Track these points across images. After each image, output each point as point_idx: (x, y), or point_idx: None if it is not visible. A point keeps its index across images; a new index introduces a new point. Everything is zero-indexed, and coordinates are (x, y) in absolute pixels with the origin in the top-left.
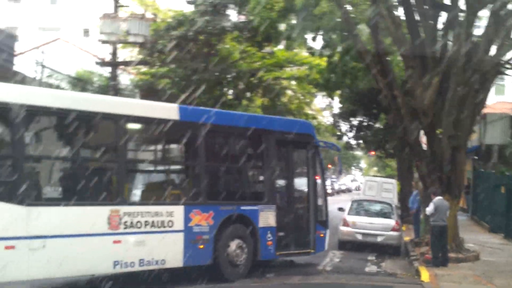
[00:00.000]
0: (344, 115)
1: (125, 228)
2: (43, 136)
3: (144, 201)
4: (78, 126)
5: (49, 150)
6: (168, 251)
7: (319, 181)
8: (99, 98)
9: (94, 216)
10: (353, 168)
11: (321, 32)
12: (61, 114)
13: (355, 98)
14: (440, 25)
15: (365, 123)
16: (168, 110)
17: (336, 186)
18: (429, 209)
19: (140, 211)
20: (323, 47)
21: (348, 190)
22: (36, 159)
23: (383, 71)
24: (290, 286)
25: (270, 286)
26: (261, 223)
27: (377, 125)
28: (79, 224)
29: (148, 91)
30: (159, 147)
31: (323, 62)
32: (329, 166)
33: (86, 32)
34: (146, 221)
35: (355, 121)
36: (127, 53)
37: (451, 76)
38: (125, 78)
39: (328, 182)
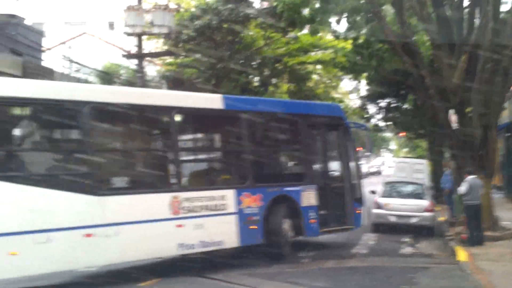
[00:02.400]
0: (372, 97)
1: (185, 212)
2: (109, 131)
3: (199, 186)
4: (137, 119)
5: (115, 143)
6: (224, 232)
7: (352, 160)
8: (152, 92)
9: (158, 202)
10: (382, 150)
11: (345, 15)
12: (121, 109)
13: (382, 80)
14: (466, 2)
15: (393, 105)
16: (213, 100)
17: (366, 169)
18: (463, 188)
19: (197, 196)
20: (348, 30)
21: (378, 173)
22: (105, 152)
23: (410, 51)
24: (326, 270)
25: (306, 271)
26: (304, 203)
27: (406, 106)
28: (145, 211)
29: (175, 81)
30: (208, 136)
31: (348, 45)
32: (360, 148)
33: (111, 25)
34: (203, 205)
35: (383, 103)
36: (152, 45)
37: (479, 54)
38: (151, 70)
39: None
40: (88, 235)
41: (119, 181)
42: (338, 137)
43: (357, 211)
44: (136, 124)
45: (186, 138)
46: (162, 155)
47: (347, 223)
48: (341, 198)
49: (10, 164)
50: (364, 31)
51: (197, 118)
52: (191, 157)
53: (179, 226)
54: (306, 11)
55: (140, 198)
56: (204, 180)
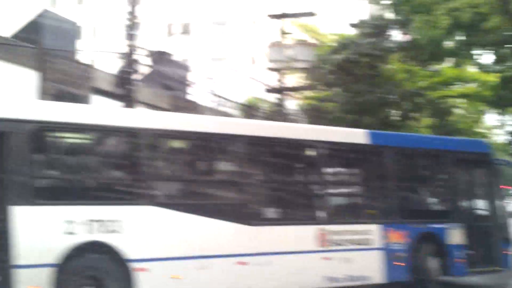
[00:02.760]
0: None
1: (331, 245)
2: (263, 164)
3: (345, 220)
4: (287, 153)
5: (268, 176)
6: (370, 267)
7: (498, 199)
8: (300, 127)
9: (307, 234)
10: None
11: (490, 47)
12: (275, 143)
13: None
14: None
15: None
16: (359, 135)
17: (510, 208)
18: None
19: (344, 230)
20: (495, 63)
21: None
22: (258, 184)
23: None
24: None
25: None
26: (450, 241)
27: None
28: (294, 242)
29: (314, 115)
30: (353, 170)
31: (494, 77)
32: (507, 186)
33: (252, 61)
34: (349, 239)
35: None
36: (292, 79)
37: None
38: (291, 103)
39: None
40: (242, 263)
41: (270, 212)
42: (484, 174)
43: (505, 252)
44: (286, 158)
45: (332, 172)
46: (310, 188)
47: (494, 264)
48: (488, 238)
49: (174, 193)
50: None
51: (342, 153)
52: (337, 191)
53: (326, 258)
54: (448, 44)
55: (290, 229)
56: (350, 214)
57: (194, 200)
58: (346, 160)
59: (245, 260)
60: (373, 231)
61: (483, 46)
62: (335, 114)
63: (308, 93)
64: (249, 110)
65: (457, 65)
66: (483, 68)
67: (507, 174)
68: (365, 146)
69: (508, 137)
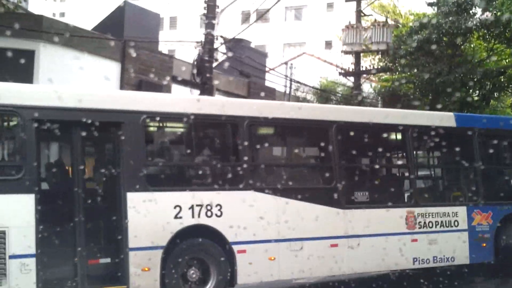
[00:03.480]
0: None
1: (419, 227)
2: (355, 149)
3: (433, 202)
4: (378, 138)
5: (360, 161)
6: (456, 249)
7: None
8: (390, 112)
9: (395, 217)
10: None
11: None
12: (365, 128)
13: None
14: None
15: None
16: (447, 118)
17: None
18: None
19: (431, 212)
20: None
21: None
22: (350, 169)
23: None
24: None
25: None
26: None
27: None
28: (383, 224)
29: (391, 98)
30: (440, 153)
31: None
32: None
33: (328, 45)
34: (436, 221)
35: None
36: (368, 62)
37: None
38: (367, 87)
39: None
40: (334, 245)
41: (361, 196)
42: None
43: None
44: (377, 143)
45: (420, 156)
46: (399, 171)
47: None
48: None
49: (271, 179)
50: None
51: (430, 136)
52: (425, 174)
53: (414, 240)
54: None
55: (379, 212)
56: (437, 196)
57: (289, 185)
58: (435, 144)
59: (336, 242)
60: (459, 213)
61: None
62: (412, 96)
63: (385, 76)
64: (324, 94)
65: None
66: None
67: None
68: (452, 129)
69: None
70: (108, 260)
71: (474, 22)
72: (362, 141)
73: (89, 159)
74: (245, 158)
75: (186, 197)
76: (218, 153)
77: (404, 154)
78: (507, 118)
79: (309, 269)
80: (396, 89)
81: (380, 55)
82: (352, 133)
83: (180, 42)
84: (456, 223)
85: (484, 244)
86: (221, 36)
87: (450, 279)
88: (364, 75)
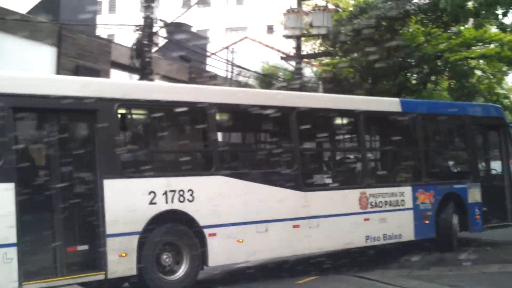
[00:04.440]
0: None
1: (371, 207)
2: (313, 134)
3: (382, 184)
4: (331, 123)
5: (318, 146)
6: (403, 226)
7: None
8: (343, 97)
9: (350, 198)
10: None
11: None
12: (323, 114)
13: None
14: None
15: None
16: (392, 104)
17: None
18: None
19: (380, 193)
20: None
21: None
22: (309, 153)
23: None
24: (490, 275)
25: (468, 275)
26: (470, 199)
27: None
28: (339, 205)
29: (331, 82)
30: (388, 137)
31: None
32: None
33: (270, 29)
34: (385, 201)
35: None
36: (309, 46)
37: None
38: (308, 71)
39: None
40: (296, 226)
41: (319, 179)
42: (499, 137)
43: None
44: (332, 128)
45: (370, 140)
46: (352, 155)
47: (506, 219)
48: (502, 195)
49: (238, 163)
50: None
51: (379, 121)
52: (375, 157)
53: (366, 219)
54: (470, 4)
55: (336, 194)
56: (386, 178)
57: (255, 169)
58: (383, 128)
59: (298, 223)
60: (405, 193)
61: (507, 5)
62: (353, 80)
63: (326, 60)
64: (267, 79)
65: (478, 26)
66: (504, 28)
67: None
68: (398, 113)
69: None
70: (86, 247)
71: (412, 7)
72: (319, 127)
73: (65, 146)
74: (213, 144)
75: (160, 183)
76: (189, 139)
77: (356, 138)
78: (447, 103)
79: (274, 250)
80: (337, 74)
81: (321, 40)
82: (311, 119)
83: (119, 26)
84: (402, 202)
85: (427, 221)
86: (161, 20)
87: (387, 256)
88: (305, 60)
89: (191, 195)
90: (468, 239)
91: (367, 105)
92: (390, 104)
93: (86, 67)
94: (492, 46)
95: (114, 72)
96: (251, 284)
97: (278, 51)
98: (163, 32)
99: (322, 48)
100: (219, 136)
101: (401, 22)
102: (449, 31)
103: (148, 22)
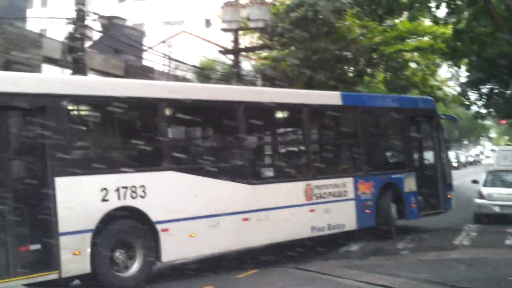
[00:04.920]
0: (473, 83)
1: (316, 198)
2: (260, 129)
3: (326, 175)
4: (277, 116)
5: (265, 140)
6: (346, 216)
7: (443, 149)
8: (289, 92)
9: (296, 190)
10: (482, 139)
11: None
12: (268, 108)
13: (484, 65)
14: None
15: (496, 91)
16: (334, 97)
17: (464, 158)
18: None
19: (324, 184)
20: (448, 14)
21: (477, 162)
22: (255, 147)
23: None
24: (427, 262)
25: (406, 263)
26: (406, 189)
27: (509, 91)
28: (287, 197)
29: (270, 75)
30: (331, 129)
31: (448, 30)
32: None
33: (207, 23)
34: (329, 192)
35: (484, 89)
36: (248, 40)
37: None
38: (247, 65)
39: (453, 155)
40: (246, 219)
41: (267, 172)
42: (431, 129)
43: (448, 196)
44: (278, 122)
45: (314, 132)
46: (297, 148)
47: (439, 207)
48: (435, 184)
49: (187, 158)
50: (465, 15)
51: (321, 114)
52: (318, 149)
53: (312, 211)
54: None
55: (283, 186)
56: (329, 169)
57: (205, 164)
58: (325, 121)
59: (248, 216)
60: (347, 184)
61: None
62: (291, 73)
63: (264, 53)
64: (205, 73)
65: (412, 19)
66: (437, 20)
67: (450, 127)
68: (340, 106)
69: (461, 89)
70: (38, 246)
71: (348, 0)
72: (266, 121)
73: (16, 144)
74: (164, 139)
75: (112, 180)
76: (140, 135)
77: (301, 131)
78: (384, 96)
79: (226, 243)
80: (275, 67)
81: (259, 33)
82: (257, 113)
83: (51, 20)
84: (345, 193)
85: (368, 211)
86: (94, 13)
87: (327, 247)
88: (244, 53)
89: (143, 191)
90: (405, 227)
91: (310, 98)
92: (331, 97)
93: (17, 62)
94: (425, 38)
95: (46, 67)
96: (190, 279)
97: (216, 45)
98: (97, 26)
99: (260, 42)
100: (170, 131)
101: (337, 15)
102: (384, 24)
103: (80, 15)
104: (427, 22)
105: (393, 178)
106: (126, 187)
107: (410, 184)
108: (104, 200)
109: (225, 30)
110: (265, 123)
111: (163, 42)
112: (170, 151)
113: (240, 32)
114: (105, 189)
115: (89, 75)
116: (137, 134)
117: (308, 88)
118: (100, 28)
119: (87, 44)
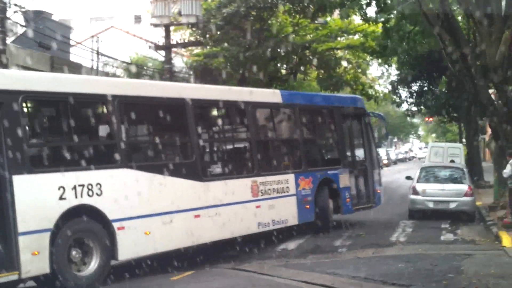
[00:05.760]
0: (403, 81)
1: (261, 195)
2: (210, 127)
3: (270, 172)
4: (225, 115)
5: (214, 137)
6: (288, 211)
7: (372, 146)
8: (232, 89)
9: (244, 186)
10: (411, 136)
11: None
12: (216, 106)
13: (413, 63)
14: None
15: (425, 88)
16: (274, 95)
17: (394, 155)
18: (506, 171)
19: (269, 181)
20: (378, 13)
21: (407, 159)
22: (205, 144)
23: (450, 30)
24: (366, 260)
25: (344, 261)
26: (341, 184)
27: (438, 89)
28: (235, 194)
29: (202, 72)
30: (273, 127)
31: (378, 28)
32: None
33: (137, 19)
34: (273, 188)
35: (415, 87)
36: (179, 36)
37: None
38: (179, 61)
39: (383, 152)
40: (197, 216)
41: (216, 169)
42: (361, 126)
43: (377, 191)
44: (224, 119)
45: (258, 130)
46: (243, 145)
47: (370, 202)
48: (366, 180)
49: (140, 155)
50: (394, 14)
51: (264, 112)
52: (263, 146)
53: (258, 206)
54: None
55: (231, 183)
56: (273, 166)
57: (157, 161)
58: (268, 118)
59: (199, 213)
60: (289, 180)
61: None
62: (224, 70)
63: (196, 50)
64: (136, 69)
65: (344, 16)
66: (368, 19)
67: (379, 125)
68: (279, 104)
69: (391, 87)
70: None
71: None
72: (214, 118)
73: None
74: (118, 136)
75: (68, 178)
76: (95, 132)
77: (246, 128)
78: (319, 95)
79: (179, 241)
80: (207, 63)
81: (191, 29)
82: (205, 110)
83: None
84: (287, 189)
85: (308, 206)
86: (16, 5)
87: (264, 245)
88: (175, 49)
89: (99, 189)
90: (340, 221)
91: (253, 96)
92: (272, 95)
93: None
94: (356, 37)
95: None
96: (122, 283)
97: (146, 41)
98: (20, 20)
99: (192, 38)
100: (124, 128)
101: (269, 11)
102: (316, 22)
103: (1, 7)
104: (358, 20)
105: (329, 174)
106: (82, 185)
107: (344, 179)
108: (61, 198)
109: (155, 25)
110: (213, 120)
111: (92, 37)
112: (124, 149)
113: (172, 28)
114: (63, 187)
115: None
116: (93, 131)
117: (242, 86)
118: (24, 22)
119: (10, 38)
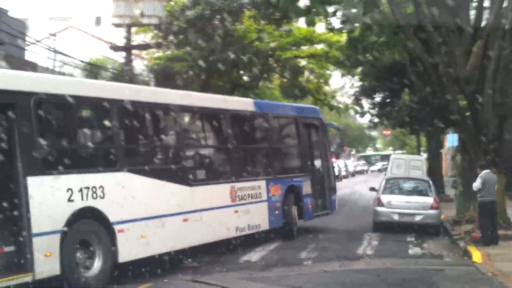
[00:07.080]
0: (366, 91)
1: (239, 200)
2: (195, 133)
3: (245, 178)
4: (209, 122)
5: (201, 143)
6: (260, 217)
7: (328, 155)
8: (212, 97)
9: (224, 192)
10: (369, 148)
11: (342, 5)
12: (198, 113)
13: (377, 74)
14: None
15: (388, 100)
16: (247, 104)
17: (352, 167)
18: (476, 184)
19: (245, 186)
20: (342, 23)
21: (365, 171)
22: (190, 149)
23: (422, 40)
24: (333, 274)
25: (310, 274)
26: (304, 191)
27: (401, 100)
28: (217, 199)
29: (164, 76)
30: (247, 135)
31: (341, 39)
32: (345, 147)
33: (97, 20)
34: (248, 194)
35: (378, 98)
36: (141, 38)
37: (494, 41)
38: (139, 64)
39: (342, 164)
40: (185, 220)
41: (201, 174)
42: (319, 136)
43: (333, 199)
44: (203, 125)
45: (234, 137)
46: (223, 151)
47: (327, 208)
48: (323, 187)
49: (138, 160)
50: (358, 24)
51: (240, 120)
52: (240, 153)
53: (236, 211)
54: (302, 1)
55: (213, 188)
56: (248, 172)
57: (152, 165)
58: (243, 126)
59: (187, 217)
60: (261, 186)
61: (337, 3)
62: (186, 75)
63: (158, 52)
64: (95, 70)
65: (309, 23)
66: (332, 28)
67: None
68: (252, 113)
69: (354, 97)
70: (12, 248)
71: (246, 1)
72: (195, 123)
73: None
74: (118, 140)
75: (76, 180)
76: (99, 135)
77: (223, 135)
78: (287, 104)
79: (170, 244)
80: (169, 67)
81: (153, 31)
82: (194, 118)
83: None
84: (260, 195)
85: (277, 212)
86: None
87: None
88: (136, 52)
89: (102, 191)
90: (302, 227)
91: (228, 104)
92: (245, 104)
93: None
94: (320, 46)
95: None
96: None
97: (106, 41)
98: None
99: (153, 41)
100: (124, 132)
101: (234, 16)
102: (280, 29)
103: None
104: (322, 29)
105: (294, 182)
106: (88, 188)
107: (307, 187)
108: (70, 200)
109: (117, 25)
110: (195, 126)
111: (49, 36)
112: (123, 152)
113: (133, 30)
114: (71, 189)
115: None
116: (97, 134)
117: (204, 92)
118: None
119: None
